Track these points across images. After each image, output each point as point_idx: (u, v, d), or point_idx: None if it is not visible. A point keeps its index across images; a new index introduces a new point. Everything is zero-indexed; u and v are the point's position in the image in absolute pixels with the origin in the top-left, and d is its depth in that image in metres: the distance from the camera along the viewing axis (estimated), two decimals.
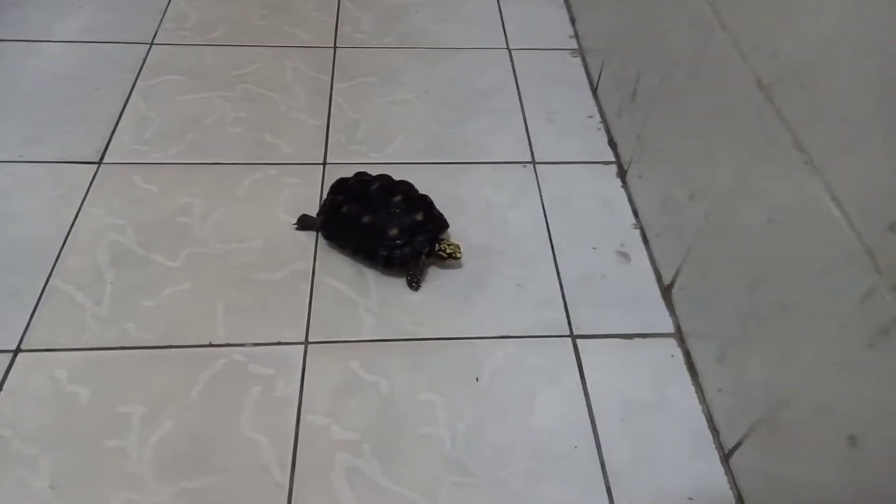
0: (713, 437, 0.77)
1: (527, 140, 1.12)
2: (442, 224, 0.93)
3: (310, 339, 0.83)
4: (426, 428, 0.76)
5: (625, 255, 0.97)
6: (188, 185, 1.00)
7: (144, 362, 0.79)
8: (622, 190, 1.05)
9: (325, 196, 0.97)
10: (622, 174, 1.07)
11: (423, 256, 0.89)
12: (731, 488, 0.73)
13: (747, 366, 0.71)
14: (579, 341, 0.86)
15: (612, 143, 1.12)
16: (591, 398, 0.80)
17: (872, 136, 0.52)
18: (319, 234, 0.94)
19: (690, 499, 0.72)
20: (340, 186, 0.95)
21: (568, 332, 0.87)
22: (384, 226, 0.87)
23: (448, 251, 0.89)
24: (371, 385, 0.79)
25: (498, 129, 1.13)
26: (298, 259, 0.92)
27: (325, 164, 1.05)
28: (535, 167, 1.08)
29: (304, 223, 0.95)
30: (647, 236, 0.98)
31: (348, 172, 1.04)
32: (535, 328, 0.87)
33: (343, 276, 0.90)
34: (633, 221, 1.01)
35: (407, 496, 0.70)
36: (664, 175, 0.92)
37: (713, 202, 0.78)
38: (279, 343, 0.83)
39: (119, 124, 1.08)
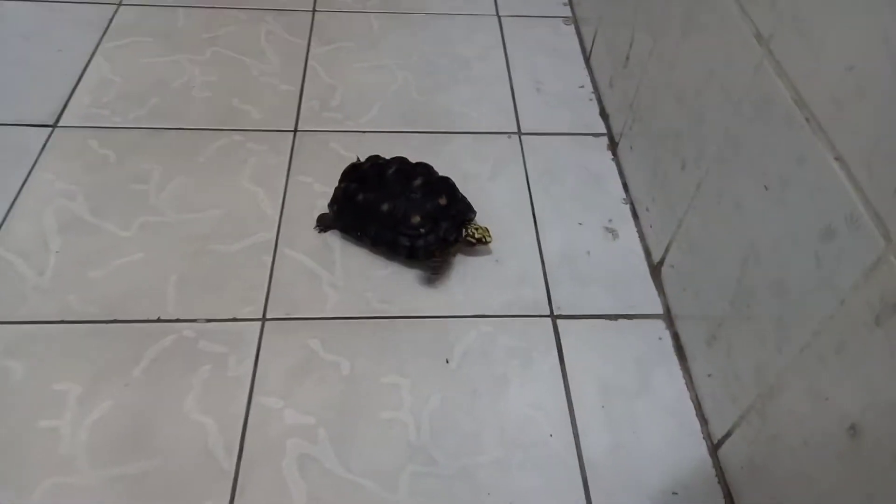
0: (701, 427, 0.71)
1: (513, 110, 1.05)
2: (467, 207, 0.85)
3: (267, 316, 0.77)
4: (388, 413, 0.70)
5: (612, 232, 0.90)
6: (148, 150, 0.93)
7: (86, 337, 0.73)
8: (612, 163, 0.98)
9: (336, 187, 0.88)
10: (613, 147, 1.00)
11: (450, 244, 0.81)
12: (719, 483, 0.67)
13: (738, 349, 0.64)
14: (559, 322, 0.80)
15: (604, 115, 1.05)
16: (569, 383, 0.74)
17: (882, 84, 0.45)
18: (335, 226, 0.85)
19: (675, 493, 0.66)
20: (353, 173, 0.86)
21: (548, 312, 0.80)
22: (405, 213, 0.79)
23: (477, 235, 0.81)
24: (331, 365, 0.73)
25: (482, 99, 1.06)
26: (261, 230, 0.85)
27: (295, 131, 0.98)
28: (520, 138, 1.01)
29: (324, 222, 0.86)
30: (637, 211, 0.91)
31: (321, 141, 0.98)
32: (513, 307, 0.80)
33: (307, 247, 0.84)
34: (623, 196, 0.94)
35: (364, 486, 0.65)
36: (656, 145, 0.85)
37: (706, 171, 0.71)
38: (234, 319, 0.76)
39: (78, 86, 1.01)
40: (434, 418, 0.70)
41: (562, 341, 0.78)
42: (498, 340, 0.77)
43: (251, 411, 0.69)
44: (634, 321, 0.81)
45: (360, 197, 0.82)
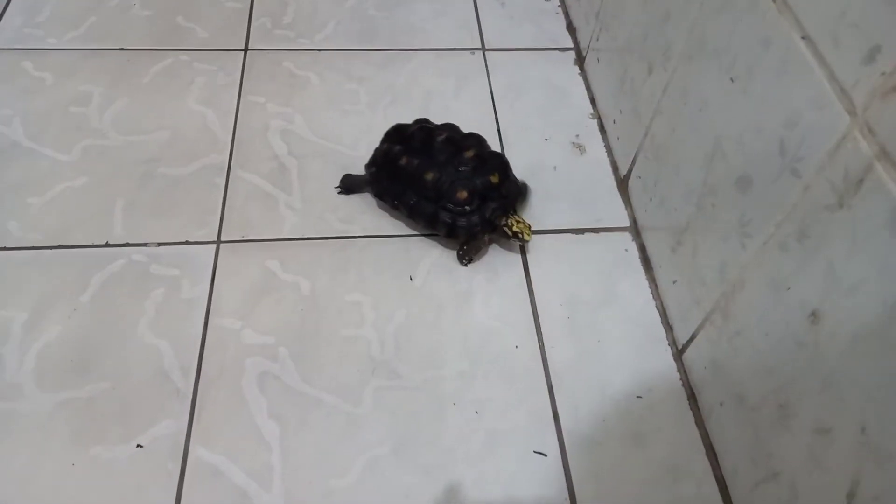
0: (666, 334, 0.71)
1: (476, 25, 1.01)
2: (518, 190, 0.77)
3: (222, 238, 0.74)
4: (351, 330, 0.68)
5: (579, 147, 0.88)
6: (86, 72, 0.87)
7: (29, 264, 0.70)
8: (580, 78, 0.95)
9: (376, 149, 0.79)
10: (580, 61, 0.97)
11: (495, 228, 0.73)
12: (683, 385, 0.67)
13: (703, 251, 0.63)
14: None
15: (571, 28, 1.01)
16: (535, 296, 0.73)
17: None
18: (369, 191, 0.78)
19: (639, 397, 0.66)
20: (398, 134, 0.78)
21: None
22: (451, 186, 0.71)
23: (515, 229, 0.72)
24: (290, 285, 0.71)
25: (443, 14, 1.01)
26: (212, 152, 0.81)
27: (246, 50, 0.93)
28: (484, 54, 0.97)
29: (348, 184, 0.79)
30: (605, 125, 0.89)
31: (273, 61, 0.93)
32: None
33: (262, 170, 0.80)
34: (591, 111, 0.91)
35: (326, 400, 0.63)
36: (623, 53, 0.82)
37: (672, 71, 0.68)
38: (187, 243, 0.73)
39: (9, 7, 0.94)
40: (398, 334, 0.68)
41: (527, 256, 0.76)
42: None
43: (208, 333, 0.67)
44: (601, 234, 0.79)
45: (404, 161, 0.73)
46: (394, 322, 0.69)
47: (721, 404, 0.61)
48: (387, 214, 0.78)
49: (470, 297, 0.72)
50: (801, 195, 0.48)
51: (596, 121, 0.90)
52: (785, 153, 0.50)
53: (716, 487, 0.60)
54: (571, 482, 0.60)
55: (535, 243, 0.77)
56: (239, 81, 0.89)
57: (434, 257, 0.75)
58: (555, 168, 0.85)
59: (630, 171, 0.81)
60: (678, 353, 0.69)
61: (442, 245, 0.76)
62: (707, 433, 0.63)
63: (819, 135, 0.46)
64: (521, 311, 0.72)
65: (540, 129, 0.89)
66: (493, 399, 0.65)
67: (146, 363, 0.64)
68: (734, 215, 0.57)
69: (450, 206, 0.71)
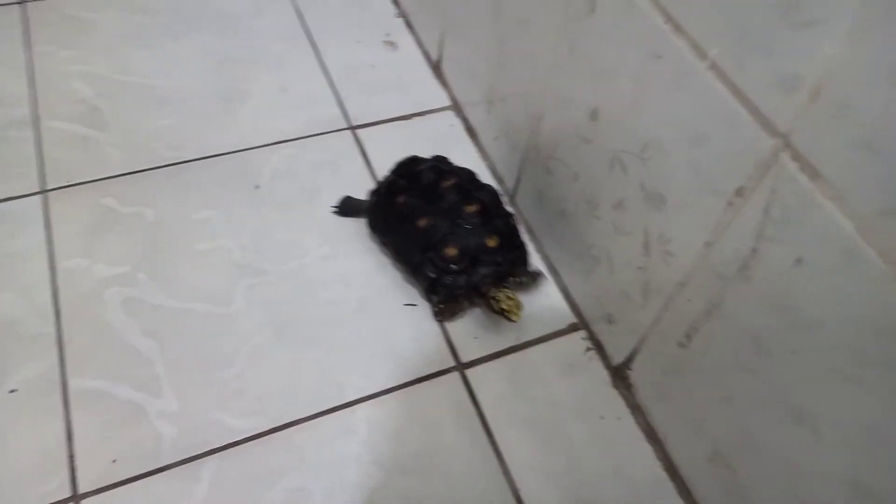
0: (500, 186, 0.79)
1: None
2: (519, 259, 0.68)
3: (47, 187, 0.71)
4: (206, 244, 0.70)
5: (391, 44, 0.93)
6: None
7: None
8: None
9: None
10: None
11: (480, 296, 0.65)
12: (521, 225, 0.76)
13: (510, 102, 0.72)
14: (359, 131, 0.82)
15: None
16: (377, 177, 0.78)
17: None
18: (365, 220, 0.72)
19: None
20: (409, 167, 0.71)
21: (345, 125, 0.83)
22: (443, 239, 0.64)
23: (503, 305, 0.63)
24: (132, 216, 0.70)
25: None
26: (12, 107, 0.76)
27: (22, 2, 0.87)
28: None
29: (346, 207, 0.74)
30: (411, 22, 0.94)
31: (54, 7, 0.87)
32: (310, 127, 0.82)
33: (72, 115, 0.77)
34: (395, 11, 0.97)
35: (198, 308, 0.65)
36: None
37: None
38: (9, 199, 0.70)
39: None
40: (255, 238, 0.71)
41: (364, 147, 0.81)
42: (304, 158, 0.79)
43: (57, 277, 0.65)
44: (426, 117, 0.86)
45: (402, 199, 0.68)
46: (248, 228, 0.72)
47: (550, 225, 0.70)
48: (214, 132, 0.78)
49: (318, 194, 0.76)
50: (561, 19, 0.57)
51: (402, 19, 0.96)
52: None
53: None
54: (445, 329, 0.67)
55: (370, 134, 0.82)
56: (22, 35, 0.83)
57: (275, 164, 0.77)
58: (372, 66, 0.89)
59: (440, 55, 0.87)
60: (511, 200, 0.78)
61: (280, 153, 0.78)
62: (547, 255, 0.73)
63: None
64: (355, 193, 0.77)
65: (350, 33, 0.92)
66: (357, 272, 0.70)
67: None
68: (524, 51, 0.65)
69: (437, 260, 0.64)
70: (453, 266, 0.64)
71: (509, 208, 0.71)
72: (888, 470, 0.37)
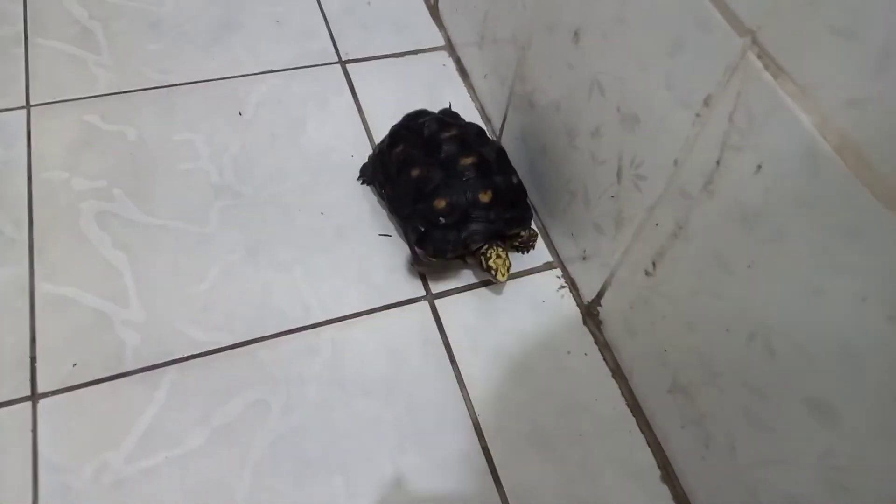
0: (486, 126, 0.78)
1: None
2: (518, 221, 0.63)
3: (32, 102, 0.71)
4: (186, 164, 0.69)
5: None
6: None
7: None
8: None
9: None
10: None
11: (468, 253, 0.63)
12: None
13: (500, 33, 0.70)
14: (349, 66, 0.81)
15: None
16: (364, 113, 0.77)
17: None
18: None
19: None
20: (412, 119, 0.68)
21: (336, 59, 0.82)
22: (433, 190, 0.60)
23: (489, 263, 0.60)
24: (114, 134, 0.70)
25: None
26: (4, 22, 0.76)
27: None
28: None
29: (366, 173, 0.71)
30: None
31: None
32: (301, 59, 0.81)
33: (64, 35, 0.77)
34: None
35: (172, 226, 0.65)
36: None
37: None
38: None
39: None
40: (235, 162, 0.70)
41: (353, 82, 0.80)
42: (291, 89, 0.78)
43: (33, 188, 0.65)
44: (420, 55, 0.84)
45: (399, 148, 0.65)
46: (229, 153, 0.71)
47: (532, 164, 0.69)
48: (203, 59, 0.78)
49: (302, 123, 0.75)
50: None
51: None
52: None
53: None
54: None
55: (360, 70, 0.81)
56: None
57: (262, 93, 0.77)
58: (368, 3, 0.88)
59: None
60: (499, 139, 0.76)
61: (268, 82, 0.77)
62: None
63: None
64: (353, 127, 0.76)
65: None
66: (336, 201, 0.69)
67: None
68: None
69: (425, 212, 0.61)
70: (442, 219, 0.60)
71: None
72: (845, 385, 0.36)
